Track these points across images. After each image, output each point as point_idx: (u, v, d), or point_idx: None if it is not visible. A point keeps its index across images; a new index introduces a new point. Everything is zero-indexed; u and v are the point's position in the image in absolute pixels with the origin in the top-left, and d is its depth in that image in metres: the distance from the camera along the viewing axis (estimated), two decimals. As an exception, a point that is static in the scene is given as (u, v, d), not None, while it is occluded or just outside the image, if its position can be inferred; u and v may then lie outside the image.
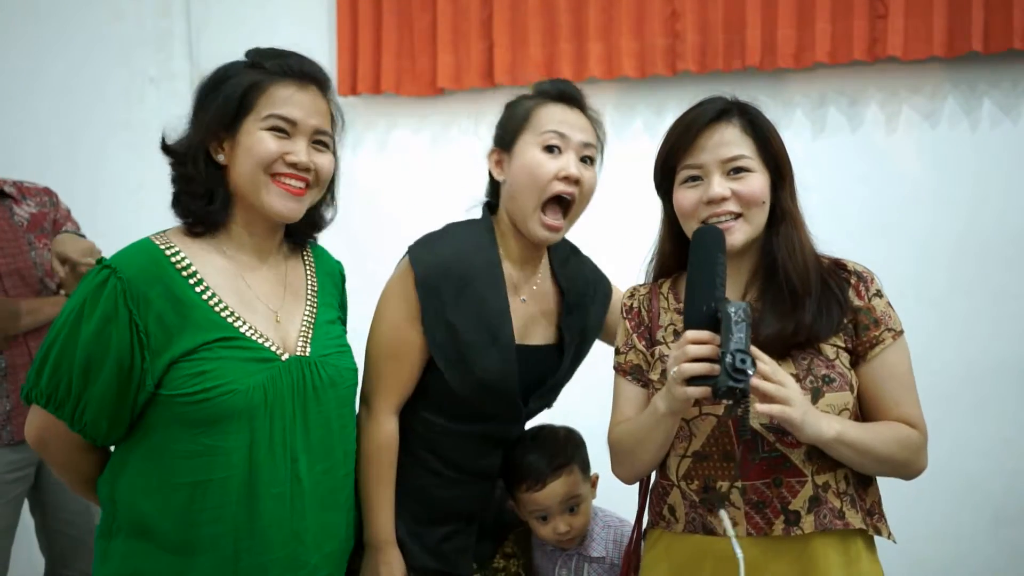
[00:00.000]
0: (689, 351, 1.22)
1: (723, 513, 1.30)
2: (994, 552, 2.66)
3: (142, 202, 3.17)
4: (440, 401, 1.57)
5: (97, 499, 1.42)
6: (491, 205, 1.67)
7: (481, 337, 1.54)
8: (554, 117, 1.56)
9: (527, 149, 1.56)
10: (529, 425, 1.75)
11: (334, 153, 1.47)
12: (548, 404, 1.71)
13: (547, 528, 1.67)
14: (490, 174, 1.65)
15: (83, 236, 2.32)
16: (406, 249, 1.59)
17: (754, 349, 1.26)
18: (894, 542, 1.40)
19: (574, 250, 1.77)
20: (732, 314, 1.21)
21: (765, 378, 1.24)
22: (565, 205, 1.57)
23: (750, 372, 1.18)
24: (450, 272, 1.53)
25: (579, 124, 1.57)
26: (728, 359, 1.18)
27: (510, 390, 1.57)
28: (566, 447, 1.67)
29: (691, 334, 1.24)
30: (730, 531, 1.27)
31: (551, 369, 1.65)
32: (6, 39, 2.83)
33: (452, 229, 1.61)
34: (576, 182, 1.54)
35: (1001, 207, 2.63)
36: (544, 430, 1.73)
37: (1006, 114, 2.62)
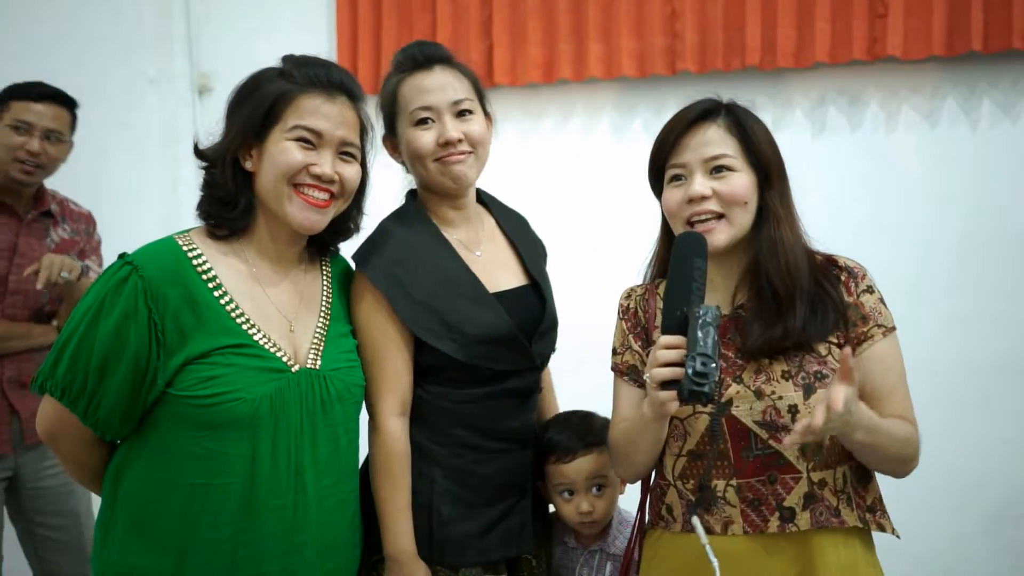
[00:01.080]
0: (659, 356, 1.23)
1: (695, 520, 1.29)
2: (995, 551, 2.66)
3: (142, 201, 3.18)
4: (454, 374, 1.57)
5: (101, 492, 1.42)
6: (413, 191, 1.70)
7: (456, 300, 1.55)
8: (415, 90, 1.57)
9: (405, 131, 1.58)
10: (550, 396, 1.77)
11: (364, 164, 1.47)
12: (551, 346, 1.71)
13: (570, 505, 1.66)
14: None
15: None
16: (352, 260, 1.59)
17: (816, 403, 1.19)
18: (898, 537, 1.40)
19: (514, 210, 1.81)
20: (698, 317, 1.21)
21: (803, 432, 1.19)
22: None
23: (713, 376, 1.18)
24: (400, 260, 1.55)
25: (442, 84, 1.57)
26: (690, 363, 1.19)
27: (511, 335, 1.57)
28: (601, 431, 1.68)
29: (664, 339, 1.25)
30: (703, 538, 1.25)
31: (536, 307, 1.66)
32: (6, 39, 2.83)
33: (384, 225, 1.63)
34: (460, 140, 1.56)
35: (1001, 206, 2.63)
36: (580, 413, 1.75)
37: (1006, 113, 2.62)
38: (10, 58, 2.60)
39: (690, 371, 1.18)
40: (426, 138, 1.56)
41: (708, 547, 1.23)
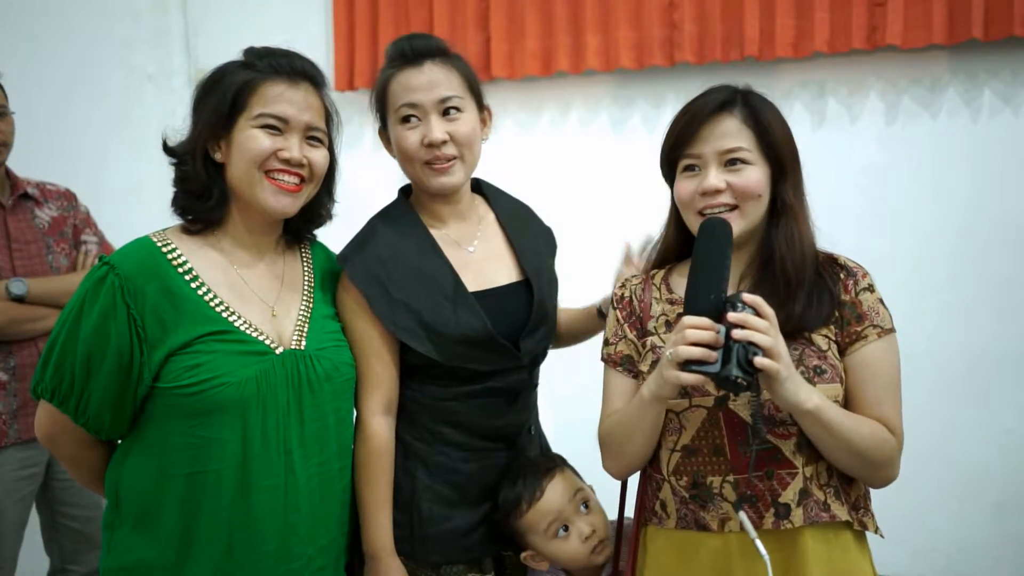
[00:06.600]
0: (688, 335, 1.20)
1: (742, 515, 1.27)
2: (996, 541, 2.65)
3: (142, 198, 3.17)
4: (437, 372, 1.56)
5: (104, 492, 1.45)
6: (404, 188, 1.69)
7: (434, 299, 1.54)
8: (403, 87, 1.55)
9: (394, 128, 1.58)
10: (542, 396, 1.73)
11: (331, 149, 1.49)
12: (544, 345, 1.68)
13: (573, 538, 1.55)
14: None
15: (96, 242, 2.41)
16: (338, 258, 1.58)
17: (755, 298, 1.24)
18: (882, 536, 1.39)
19: (519, 201, 1.78)
20: (742, 307, 1.20)
21: (762, 331, 1.21)
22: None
23: (759, 368, 1.18)
24: (381, 258, 1.55)
25: (429, 82, 1.54)
26: (741, 351, 1.18)
27: (489, 336, 1.55)
28: (544, 460, 1.62)
29: (690, 319, 1.22)
30: (751, 532, 1.24)
31: (526, 304, 1.63)
32: (5, 37, 2.83)
33: (371, 223, 1.63)
34: (444, 142, 1.54)
35: (1002, 196, 2.62)
36: (519, 459, 1.64)
37: (1007, 103, 2.61)
38: (9, 55, 2.60)
39: (740, 359, 1.18)
40: (412, 138, 1.55)
41: (758, 541, 1.22)
